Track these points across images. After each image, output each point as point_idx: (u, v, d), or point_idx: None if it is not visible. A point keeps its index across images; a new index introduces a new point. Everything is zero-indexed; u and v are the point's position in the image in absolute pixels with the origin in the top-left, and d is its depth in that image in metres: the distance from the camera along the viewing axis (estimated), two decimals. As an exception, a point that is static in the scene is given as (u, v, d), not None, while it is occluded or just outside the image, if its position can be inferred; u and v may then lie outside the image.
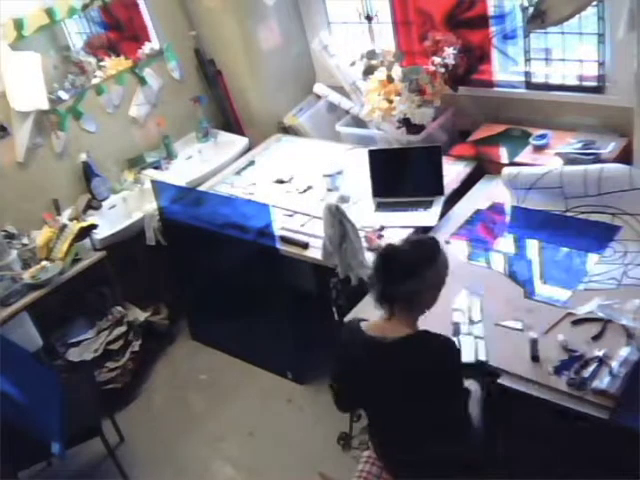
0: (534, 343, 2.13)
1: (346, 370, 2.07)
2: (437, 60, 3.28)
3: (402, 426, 2.00)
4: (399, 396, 1.95)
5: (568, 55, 3.13)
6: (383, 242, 2.83)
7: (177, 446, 3.20)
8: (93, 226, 3.40)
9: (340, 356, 2.08)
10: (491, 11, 3.24)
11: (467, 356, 2.19)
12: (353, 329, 2.02)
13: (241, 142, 3.98)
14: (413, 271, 1.88)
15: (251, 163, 3.81)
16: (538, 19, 2.61)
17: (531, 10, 2.65)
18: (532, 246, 2.72)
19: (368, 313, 2.50)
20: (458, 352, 1.99)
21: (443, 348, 1.93)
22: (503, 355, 2.19)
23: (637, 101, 2.62)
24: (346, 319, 2.53)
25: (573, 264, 2.56)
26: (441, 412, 1.95)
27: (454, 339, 2.08)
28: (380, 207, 3.12)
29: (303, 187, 3.41)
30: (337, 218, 2.64)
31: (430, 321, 1.97)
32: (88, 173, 3.65)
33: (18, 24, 3.28)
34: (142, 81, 3.85)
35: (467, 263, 2.69)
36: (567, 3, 2.54)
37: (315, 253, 2.87)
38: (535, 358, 2.13)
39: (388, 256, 1.95)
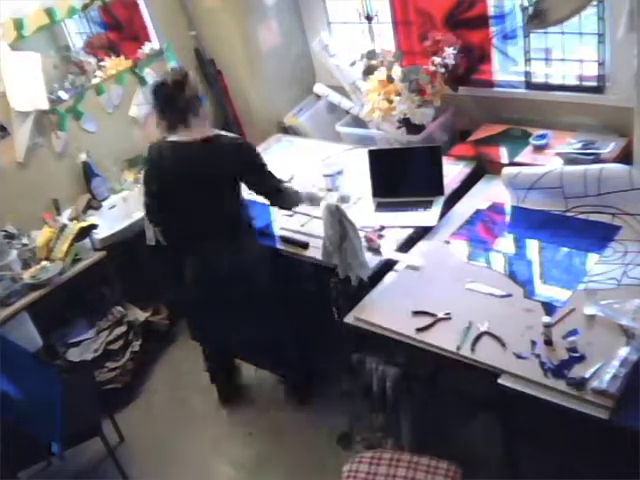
0: (548, 327, 2.15)
1: (153, 175, 2.75)
2: (437, 60, 3.28)
3: (193, 217, 2.76)
4: (195, 186, 2.66)
5: (568, 55, 3.12)
6: (383, 242, 2.84)
7: (177, 446, 3.20)
8: (93, 226, 3.40)
9: (148, 170, 2.77)
10: (491, 11, 3.24)
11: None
12: (158, 144, 2.70)
13: (241, 142, 3.98)
14: (181, 87, 2.60)
15: (251, 163, 3.80)
16: (537, 19, 2.61)
17: (531, 10, 2.65)
18: (532, 246, 2.71)
19: (368, 312, 2.52)
20: (253, 150, 2.78)
21: (237, 145, 2.72)
22: (504, 355, 2.19)
23: (637, 101, 2.62)
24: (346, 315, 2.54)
25: (573, 264, 2.56)
26: (226, 205, 2.75)
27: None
28: (380, 207, 3.12)
29: (303, 187, 3.40)
30: (337, 218, 2.64)
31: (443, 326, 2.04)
32: (88, 173, 3.65)
33: (18, 24, 3.28)
34: (142, 81, 3.85)
35: (467, 263, 2.69)
36: (566, 3, 2.53)
37: (315, 253, 2.87)
38: (548, 342, 2.16)
39: (161, 90, 2.64)
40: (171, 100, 2.62)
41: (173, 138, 2.67)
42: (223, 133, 2.81)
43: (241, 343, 3.22)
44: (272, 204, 2.96)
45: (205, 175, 2.67)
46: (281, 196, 2.87)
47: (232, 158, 2.69)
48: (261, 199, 2.96)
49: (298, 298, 3.14)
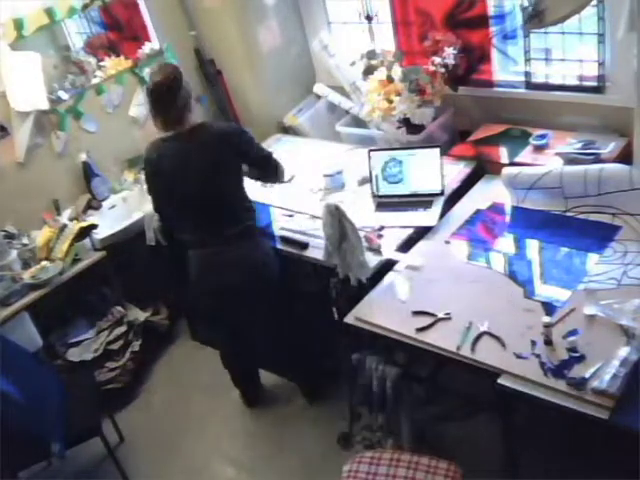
0: (548, 327, 2.15)
1: (152, 172, 2.78)
2: (437, 60, 3.28)
3: (199, 211, 2.77)
4: (198, 177, 2.69)
5: (568, 55, 3.12)
6: (383, 242, 2.84)
7: (177, 446, 3.20)
8: (93, 226, 3.41)
9: (146, 169, 2.82)
10: (491, 11, 3.24)
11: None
12: (152, 143, 2.77)
13: (241, 142, 3.98)
14: (175, 92, 2.62)
15: (251, 163, 3.80)
16: (536, 18, 2.60)
17: (530, 10, 2.65)
18: (532, 246, 2.71)
19: (368, 312, 2.52)
20: (244, 133, 2.83)
21: (228, 129, 2.87)
22: (504, 355, 2.19)
23: (637, 101, 2.62)
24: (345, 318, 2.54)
25: (573, 264, 2.55)
26: (232, 193, 2.79)
27: None
28: (380, 207, 3.12)
29: (303, 187, 3.41)
30: (337, 218, 2.64)
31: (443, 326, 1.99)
32: (88, 173, 3.66)
33: (18, 24, 3.28)
34: (142, 81, 3.85)
35: (467, 263, 2.69)
36: (565, 3, 2.53)
37: (315, 253, 2.87)
38: (548, 342, 2.16)
39: (158, 93, 2.64)
40: (168, 104, 2.64)
41: (167, 134, 2.72)
42: (209, 121, 2.99)
43: (250, 349, 3.19)
44: (266, 175, 3.00)
45: (201, 162, 2.69)
46: (274, 164, 2.96)
47: (222, 139, 2.73)
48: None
49: (301, 299, 3.13)
